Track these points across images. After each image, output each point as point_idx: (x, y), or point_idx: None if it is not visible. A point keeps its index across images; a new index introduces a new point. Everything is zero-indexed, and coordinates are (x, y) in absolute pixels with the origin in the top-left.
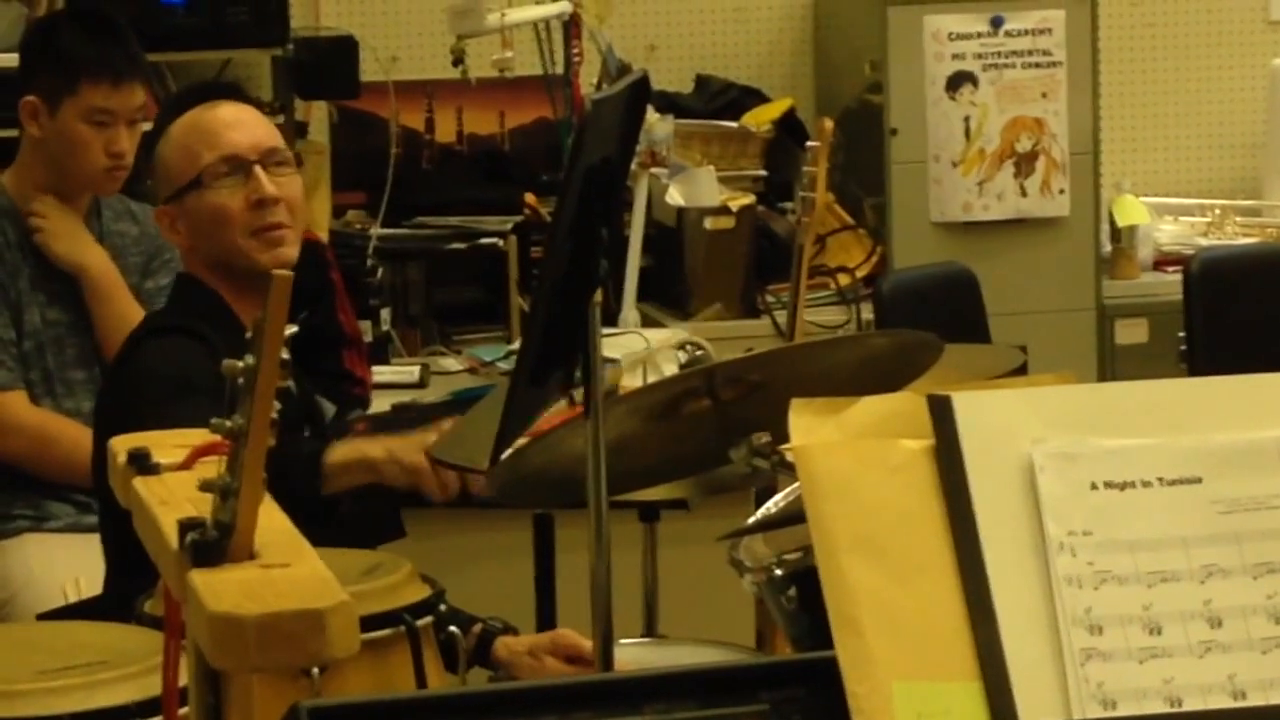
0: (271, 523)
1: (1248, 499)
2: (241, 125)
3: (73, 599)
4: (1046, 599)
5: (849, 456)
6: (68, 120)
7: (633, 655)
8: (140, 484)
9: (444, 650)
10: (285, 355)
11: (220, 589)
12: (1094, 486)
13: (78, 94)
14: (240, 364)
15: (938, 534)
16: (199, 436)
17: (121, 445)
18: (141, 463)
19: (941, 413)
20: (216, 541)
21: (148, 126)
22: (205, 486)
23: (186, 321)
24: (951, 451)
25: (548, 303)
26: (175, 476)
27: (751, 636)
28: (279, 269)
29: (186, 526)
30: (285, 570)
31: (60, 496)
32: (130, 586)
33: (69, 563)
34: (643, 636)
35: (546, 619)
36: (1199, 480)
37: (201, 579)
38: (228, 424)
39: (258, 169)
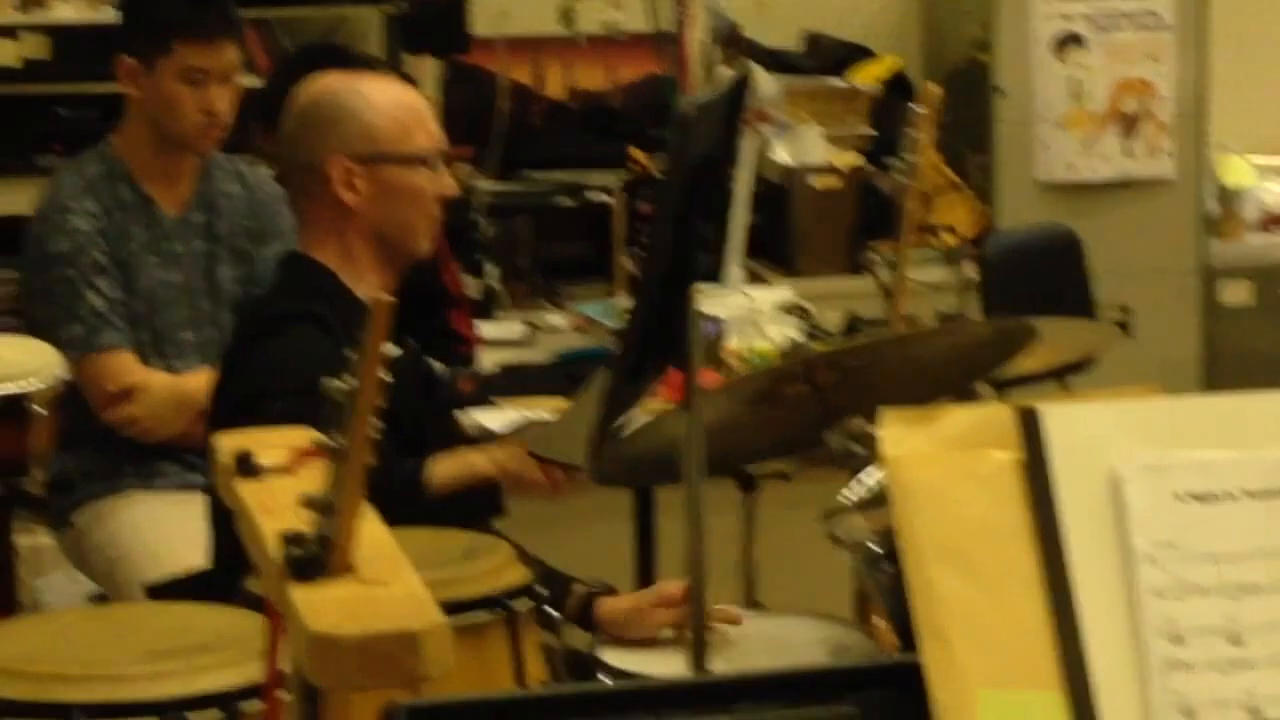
0: (370, 534)
1: None
2: (434, 118)
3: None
4: (1130, 610)
5: (939, 467)
6: (163, 80)
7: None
8: (244, 488)
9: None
10: (386, 378)
11: (320, 606)
12: (1179, 499)
13: (171, 54)
14: (341, 384)
15: (1025, 545)
16: (302, 437)
17: (226, 445)
18: (246, 465)
19: (1030, 425)
20: (316, 557)
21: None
22: (308, 503)
23: (310, 306)
24: (1039, 464)
25: (650, 298)
26: (279, 481)
27: (850, 605)
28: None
29: (288, 540)
30: (383, 589)
31: (168, 455)
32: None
33: (178, 522)
34: (740, 606)
35: (645, 583)
36: None
37: (301, 596)
38: (330, 442)
39: (446, 167)
